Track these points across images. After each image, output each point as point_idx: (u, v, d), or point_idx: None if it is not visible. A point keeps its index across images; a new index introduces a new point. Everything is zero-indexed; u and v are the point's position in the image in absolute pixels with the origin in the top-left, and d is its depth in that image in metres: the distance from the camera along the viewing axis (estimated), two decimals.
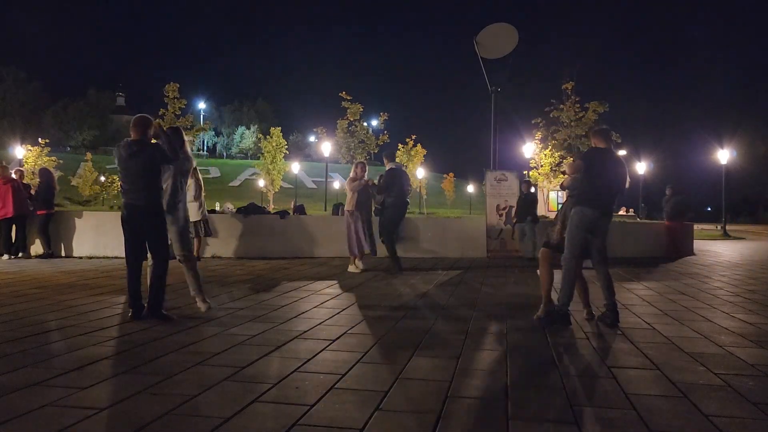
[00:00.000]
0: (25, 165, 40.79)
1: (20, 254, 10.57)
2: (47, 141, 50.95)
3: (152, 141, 5.02)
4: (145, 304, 4.93)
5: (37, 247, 11.02)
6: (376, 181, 9.30)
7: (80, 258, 10.86)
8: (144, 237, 4.97)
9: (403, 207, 9.43)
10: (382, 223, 9.19)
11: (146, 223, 4.91)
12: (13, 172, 11.33)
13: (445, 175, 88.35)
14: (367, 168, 9.52)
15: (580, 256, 4.96)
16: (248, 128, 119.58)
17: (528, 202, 11.55)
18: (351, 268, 8.90)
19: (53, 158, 50.72)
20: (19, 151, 46.87)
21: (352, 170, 9.40)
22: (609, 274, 5.06)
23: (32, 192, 11.25)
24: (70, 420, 2.57)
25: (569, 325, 4.78)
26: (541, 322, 4.80)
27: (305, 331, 4.53)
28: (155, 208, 4.94)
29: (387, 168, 9.36)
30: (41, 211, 10.81)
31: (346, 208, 9.28)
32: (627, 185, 5.24)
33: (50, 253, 10.79)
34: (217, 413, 2.68)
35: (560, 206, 5.48)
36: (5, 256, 10.45)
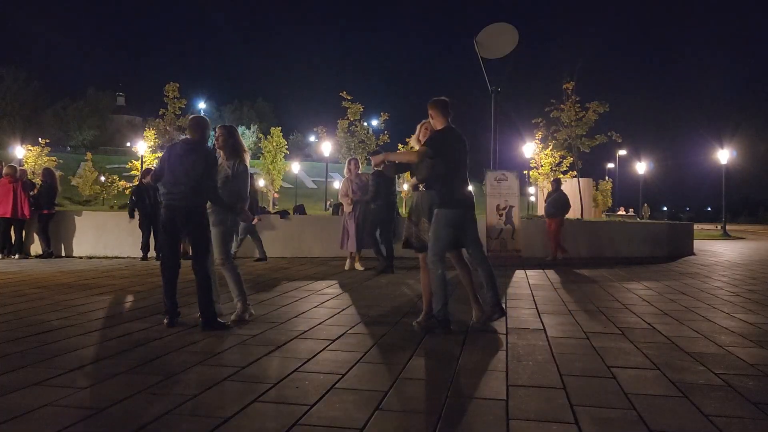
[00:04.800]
0: (25, 165, 40.81)
1: (16, 255, 10.56)
2: (47, 141, 51.09)
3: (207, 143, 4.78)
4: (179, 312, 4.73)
5: (36, 247, 11.02)
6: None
7: (80, 258, 10.86)
8: (184, 238, 4.71)
9: (390, 209, 9.08)
10: (369, 223, 9.00)
11: (189, 225, 4.62)
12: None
13: None
14: (360, 164, 9.54)
15: (444, 256, 4.63)
16: (248, 128, 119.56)
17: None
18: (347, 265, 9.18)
19: (53, 158, 50.85)
20: (20, 151, 46.91)
21: (345, 168, 9.45)
22: (491, 268, 4.74)
23: (34, 191, 11.22)
24: (70, 420, 2.57)
25: (450, 330, 4.52)
26: (421, 328, 4.55)
27: (305, 331, 4.53)
28: (200, 209, 4.65)
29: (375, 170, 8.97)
30: (42, 211, 10.81)
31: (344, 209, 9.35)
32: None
33: (50, 253, 10.79)
34: (217, 413, 2.68)
35: (412, 202, 4.89)
36: None
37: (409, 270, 9.12)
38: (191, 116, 4.98)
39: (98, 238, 11.22)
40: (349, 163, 9.51)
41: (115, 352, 3.84)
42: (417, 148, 4.76)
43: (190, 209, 4.59)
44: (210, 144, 5.04)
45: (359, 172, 9.37)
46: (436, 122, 4.73)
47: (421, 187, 4.85)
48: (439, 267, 4.56)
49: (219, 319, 4.62)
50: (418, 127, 4.96)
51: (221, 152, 5.00)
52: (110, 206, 57.78)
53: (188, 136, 4.82)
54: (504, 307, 4.74)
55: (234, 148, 5.01)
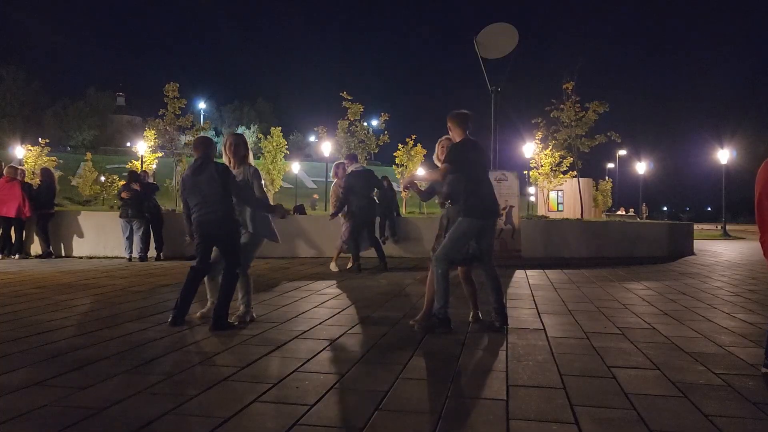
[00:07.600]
0: (25, 165, 40.82)
1: (16, 255, 10.55)
2: (47, 141, 51.04)
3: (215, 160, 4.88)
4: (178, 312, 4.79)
5: (36, 247, 11.01)
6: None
7: (80, 258, 10.85)
8: (216, 246, 4.84)
9: (369, 211, 8.90)
10: (350, 226, 8.83)
11: (221, 232, 4.75)
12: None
13: None
14: (347, 169, 9.41)
15: (452, 260, 4.65)
16: (248, 128, 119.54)
17: None
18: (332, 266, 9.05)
19: (53, 158, 50.80)
20: (19, 151, 46.90)
21: (332, 172, 9.29)
22: (497, 275, 4.78)
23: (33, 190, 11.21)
24: (70, 420, 2.57)
25: (451, 330, 4.53)
26: (421, 328, 4.54)
27: (305, 331, 4.53)
28: (230, 217, 4.77)
29: (348, 171, 8.92)
30: (42, 211, 10.81)
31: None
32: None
33: (50, 253, 10.79)
34: (217, 413, 2.68)
35: (442, 216, 4.94)
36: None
37: (409, 270, 9.12)
38: (196, 137, 5.09)
39: (98, 238, 11.22)
40: (336, 167, 9.39)
41: (114, 352, 3.84)
42: (439, 165, 4.80)
43: (221, 219, 4.70)
44: (217, 150, 5.13)
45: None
46: (455, 135, 4.78)
47: (447, 203, 4.83)
48: (444, 266, 4.56)
49: (228, 320, 4.66)
50: (437, 145, 5.00)
51: (231, 159, 5.05)
52: (110, 206, 57.77)
53: (194, 156, 4.94)
54: (507, 317, 4.75)
55: (244, 156, 5.10)
